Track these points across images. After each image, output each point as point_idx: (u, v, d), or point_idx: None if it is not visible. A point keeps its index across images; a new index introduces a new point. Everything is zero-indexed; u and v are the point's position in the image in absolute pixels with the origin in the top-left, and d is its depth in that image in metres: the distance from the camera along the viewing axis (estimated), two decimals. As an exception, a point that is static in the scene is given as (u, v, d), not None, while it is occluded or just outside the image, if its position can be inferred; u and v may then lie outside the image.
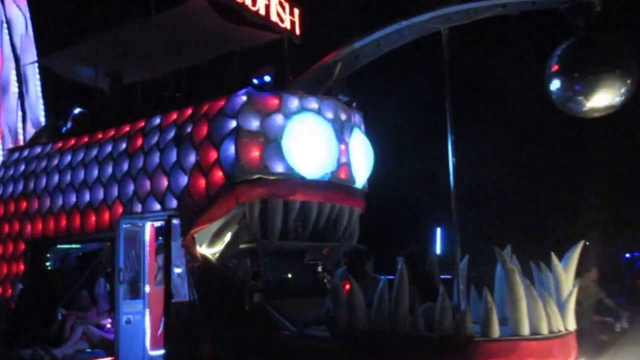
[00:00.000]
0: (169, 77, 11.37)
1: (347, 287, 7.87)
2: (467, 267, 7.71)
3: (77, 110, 11.48)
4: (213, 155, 8.50)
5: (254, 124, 8.39)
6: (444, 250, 20.36)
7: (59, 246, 11.18)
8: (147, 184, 9.20)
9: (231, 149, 8.32)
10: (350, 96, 9.36)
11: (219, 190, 8.32)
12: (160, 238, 9.88)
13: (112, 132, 10.24)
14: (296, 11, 11.39)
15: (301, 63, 10.19)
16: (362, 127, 9.81)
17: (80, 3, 19.08)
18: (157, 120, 9.62)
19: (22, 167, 11.42)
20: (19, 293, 10.35)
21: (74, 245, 11.40)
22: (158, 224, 9.75)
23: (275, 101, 8.56)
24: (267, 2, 10.64)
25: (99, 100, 11.34)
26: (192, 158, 8.73)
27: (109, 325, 9.63)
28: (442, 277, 8.07)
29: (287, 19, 11.06)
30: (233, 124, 8.41)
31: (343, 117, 9.20)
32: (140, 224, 9.64)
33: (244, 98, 8.49)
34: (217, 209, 8.33)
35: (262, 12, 10.56)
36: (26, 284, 10.59)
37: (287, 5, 11.12)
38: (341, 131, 9.08)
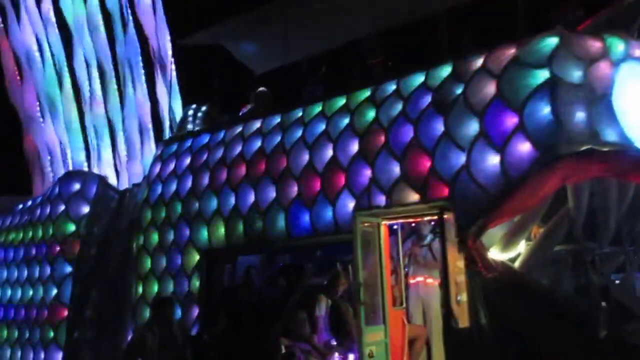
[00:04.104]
0: (367, 42, 9.03)
1: None
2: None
3: (259, 90, 9.25)
4: (511, 120, 6.03)
5: (576, 74, 5.92)
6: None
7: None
8: (395, 168, 6.79)
9: (544, 110, 5.85)
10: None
11: (529, 169, 5.84)
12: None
13: (319, 108, 7.92)
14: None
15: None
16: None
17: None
18: (392, 87, 7.26)
19: (188, 160, 9.15)
20: (204, 318, 8.00)
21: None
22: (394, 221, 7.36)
23: (598, 44, 6.09)
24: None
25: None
26: (472, 128, 6.30)
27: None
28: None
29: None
30: (543, 75, 5.94)
31: (665, 71, 6.68)
32: (366, 224, 7.16)
33: (556, 40, 6.04)
34: (528, 195, 5.88)
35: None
36: (206, 306, 8.26)
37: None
38: (668, 90, 6.55)
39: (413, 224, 7.75)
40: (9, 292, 11.03)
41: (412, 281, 7.78)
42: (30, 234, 10.90)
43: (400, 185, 6.73)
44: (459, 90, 6.53)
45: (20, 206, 11.80)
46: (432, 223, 7.53)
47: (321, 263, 8.39)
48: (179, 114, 11.40)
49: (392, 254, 7.48)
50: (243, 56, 10.75)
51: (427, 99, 6.78)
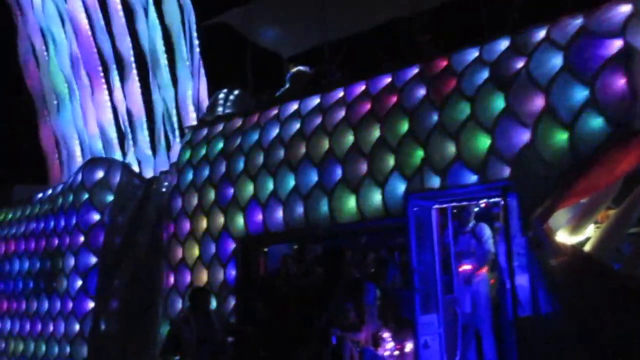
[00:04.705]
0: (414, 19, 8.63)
1: None
2: None
3: (295, 69, 8.87)
4: (581, 94, 5.67)
5: (652, 43, 5.55)
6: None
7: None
8: (450, 147, 6.42)
9: (618, 82, 5.49)
10: None
11: (601, 146, 5.47)
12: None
13: (362, 87, 7.55)
14: None
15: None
16: None
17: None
18: (443, 63, 6.89)
19: (220, 145, 8.78)
20: (243, 309, 7.64)
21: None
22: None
23: (675, 11, 5.71)
24: None
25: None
26: (536, 103, 5.93)
27: (388, 353, 6.79)
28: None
29: None
30: (617, 44, 5.57)
31: None
32: (416, 208, 6.77)
33: (629, 7, 5.66)
34: (600, 174, 5.53)
35: None
36: (243, 296, 7.90)
37: None
38: None
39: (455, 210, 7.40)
40: (31, 284, 10.67)
41: (459, 269, 7.42)
42: (52, 223, 10.54)
43: (456, 165, 6.36)
44: (520, 64, 6.16)
45: (40, 195, 11.43)
46: (476, 209, 7.21)
47: (362, 250, 8.02)
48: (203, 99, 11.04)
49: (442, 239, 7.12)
50: (266, 40, 10.36)
51: (484, 75, 6.41)
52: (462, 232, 7.33)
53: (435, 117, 6.60)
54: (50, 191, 11.23)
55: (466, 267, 7.33)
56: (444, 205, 6.87)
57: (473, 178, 6.24)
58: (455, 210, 7.25)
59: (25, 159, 14.89)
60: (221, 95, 9.40)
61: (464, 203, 6.75)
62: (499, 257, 7.03)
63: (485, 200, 6.64)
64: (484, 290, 7.21)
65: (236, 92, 9.36)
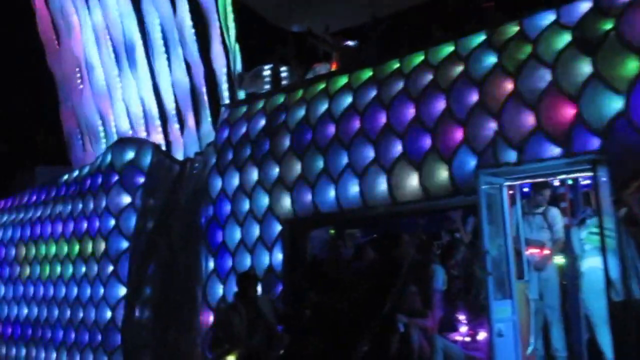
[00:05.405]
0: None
1: None
2: None
3: (343, 44, 8.39)
4: (684, 56, 5.14)
5: None
6: None
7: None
8: (528, 118, 5.89)
9: None
10: None
11: None
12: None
13: (421, 58, 7.01)
14: None
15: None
16: None
17: None
18: (514, 29, 6.35)
19: (262, 122, 8.27)
20: (293, 294, 7.15)
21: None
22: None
23: None
24: None
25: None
26: (630, 67, 5.39)
27: (460, 338, 6.28)
28: None
29: None
30: None
31: None
32: (484, 185, 6.24)
33: None
34: None
35: None
36: (291, 281, 7.41)
37: None
38: None
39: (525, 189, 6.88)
40: (58, 269, 10.20)
41: (526, 252, 6.91)
42: (80, 206, 10.06)
43: (536, 137, 5.82)
44: (607, 26, 5.61)
45: (66, 177, 10.93)
46: (549, 190, 6.71)
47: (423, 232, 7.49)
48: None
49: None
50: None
51: (565, 39, 5.86)
52: (532, 213, 6.83)
53: (509, 86, 6.07)
54: (76, 172, 10.75)
55: (534, 250, 6.86)
56: (516, 183, 6.35)
57: (556, 151, 5.71)
58: (527, 190, 6.75)
59: (46, 140, 14.40)
60: (266, 72, 8.86)
61: (539, 180, 6.22)
62: (571, 240, 6.57)
63: (563, 176, 6.10)
64: (555, 277, 6.75)
65: (283, 67, 8.82)
